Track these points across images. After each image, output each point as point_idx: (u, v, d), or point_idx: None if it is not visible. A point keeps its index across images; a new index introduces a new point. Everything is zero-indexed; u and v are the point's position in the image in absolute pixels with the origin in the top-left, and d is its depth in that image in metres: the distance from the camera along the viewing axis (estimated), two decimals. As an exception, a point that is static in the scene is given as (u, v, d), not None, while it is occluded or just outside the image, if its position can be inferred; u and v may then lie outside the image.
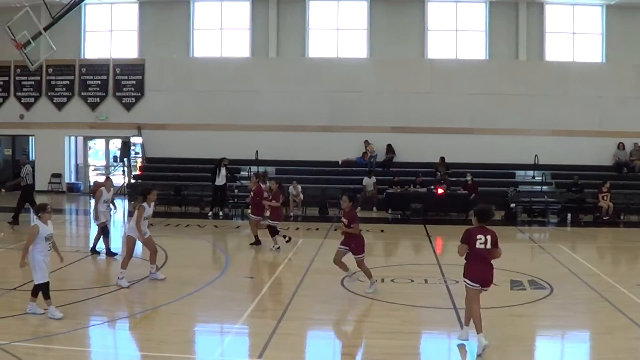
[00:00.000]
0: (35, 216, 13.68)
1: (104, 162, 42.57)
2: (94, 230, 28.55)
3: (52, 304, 13.46)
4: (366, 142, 36.70)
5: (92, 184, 37.85)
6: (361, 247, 15.74)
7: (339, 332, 13.59)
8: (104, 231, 21.12)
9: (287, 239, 22.44)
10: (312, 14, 39.03)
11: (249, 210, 23.94)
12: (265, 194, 23.12)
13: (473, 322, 11.96)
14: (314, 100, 37.79)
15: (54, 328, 12.60)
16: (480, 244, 12.09)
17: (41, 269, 13.33)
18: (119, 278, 16.33)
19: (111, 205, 21.88)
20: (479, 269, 12.21)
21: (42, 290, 13.36)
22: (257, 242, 22.50)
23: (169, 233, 25.49)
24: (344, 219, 15.77)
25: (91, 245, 21.49)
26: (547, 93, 36.78)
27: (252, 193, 23.42)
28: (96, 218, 21.09)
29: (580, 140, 36.08)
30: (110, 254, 20.79)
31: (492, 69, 37.54)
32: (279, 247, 21.61)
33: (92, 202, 23.28)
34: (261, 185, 23.72)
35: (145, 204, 16.83)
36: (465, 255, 12.26)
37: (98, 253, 21.02)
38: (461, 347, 12.13)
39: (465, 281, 12.28)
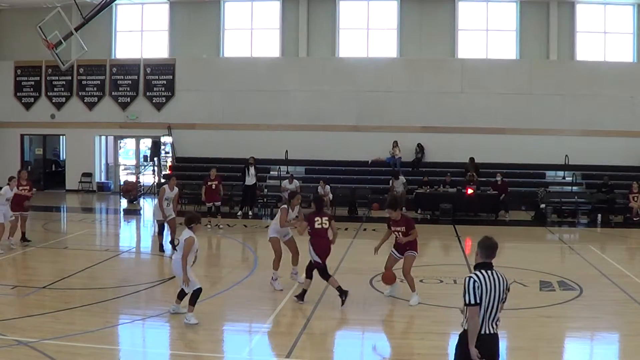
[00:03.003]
0: (187, 227, 13.44)
1: (134, 162, 42.78)
2: (124, 229, 28.87)
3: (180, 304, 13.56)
4: (395, 143, 36.49)
5: (122, 183, 38.11)
6: None
7: (367, 332, 13.58)
8: (162, 228, 21.42)
9: None
10: (342, 14, 38.97)
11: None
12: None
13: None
14: (343, 100, 37.75)
15: (83, 326, 12.66)
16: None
17: (191, 276, 13.19)
18: (272, 279, 16.23)
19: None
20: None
21: (197, 295, 13.24)
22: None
23: (198, 232, 25.51)
24: None
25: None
26: (577, 93, 36.53)
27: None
28: (162, 216, 21.33)
29: (611, 140, 35.79)
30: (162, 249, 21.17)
31: (522, 69, 37.31)
32: None
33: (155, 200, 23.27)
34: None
35: (287, 207, 16.34)
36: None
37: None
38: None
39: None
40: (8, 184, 21.43)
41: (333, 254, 20.56)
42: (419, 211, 31.82)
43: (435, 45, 38.29)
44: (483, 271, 8.09)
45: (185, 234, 13.24)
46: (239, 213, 30.67)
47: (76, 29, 29.71)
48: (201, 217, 13.99)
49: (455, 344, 8.30)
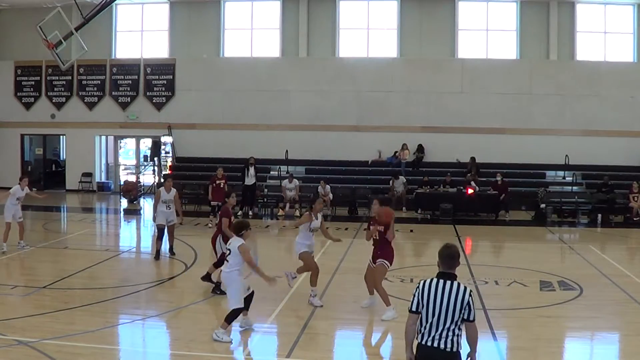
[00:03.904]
0: (236, 235, 12.67)
1: (134, 162, 42.79)
2: (124, 229, 28.87)
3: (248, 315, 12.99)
4: (404, 146, 36.35)
5: (122, 183, 38.11)
6: None
7: (367, 332, 13.58)
8: (162, 233, 20.31)
9: None
10: (342, 14, 38.95)
11: None
12: None
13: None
14: (344, 99, 37.75)
15: (83, 326, 12.66)
16: None
17: (239, 292, 12.50)
18: (311, 296, 14.80)
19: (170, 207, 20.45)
20: None
21: (235, 315, 12.45)
22: None
23: (198, 232, 25.56)
24: None
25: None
26: (578, 93, 36.54)
27: None
28: (154, 219, 20.69)
29: (611, 140, 35.78)
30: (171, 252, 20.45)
31: (522, 69, 37.31)
32: None
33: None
34: None
35: (310, 213, 15.16)
36: None
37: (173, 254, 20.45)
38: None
39: None
40: (19, 184, 21.30)
41: (334, 254, 20.66)
42: (419, 211, 31.82)
43: (436, 45, 38.28)
44: (436, 279, 7.71)
45: (237, 241, 12.51)
46: (239, 213, 30.65)
47: (76, 29, 29.74)
48: (249, 223, 13.05)
49: None
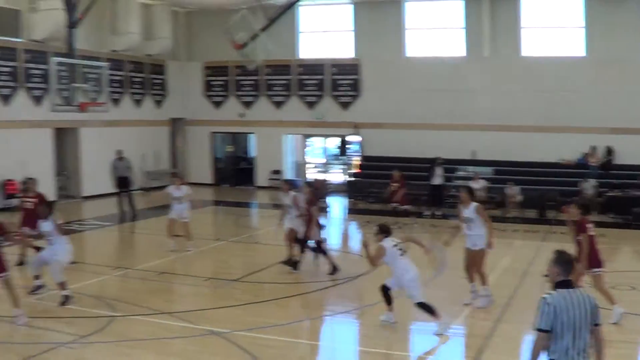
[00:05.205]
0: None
1: (322, 160, 43.26)
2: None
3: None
4: (592, 149, 35.13)
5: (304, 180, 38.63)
6: None
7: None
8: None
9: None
10: (524, 12, 38.01)
11: None
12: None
13: None
14: (529, 99, 36.83)
15: (274, 319, 12.88)
16: None
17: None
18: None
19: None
20: None
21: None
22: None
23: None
24: None
25: None
26: None
27: None
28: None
29: None
30: None
31: None
32: None
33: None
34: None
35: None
36: None
37: None
38: None
39: None
40: None
41: (523, 257, 20.25)
42: (610, 215, 30.72)
43: (626, 44, 36.67)
44: (564, 291, 7.15)
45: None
46: (427, 213, 30.47)
47: (261, 30, 30.41)
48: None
49: None
